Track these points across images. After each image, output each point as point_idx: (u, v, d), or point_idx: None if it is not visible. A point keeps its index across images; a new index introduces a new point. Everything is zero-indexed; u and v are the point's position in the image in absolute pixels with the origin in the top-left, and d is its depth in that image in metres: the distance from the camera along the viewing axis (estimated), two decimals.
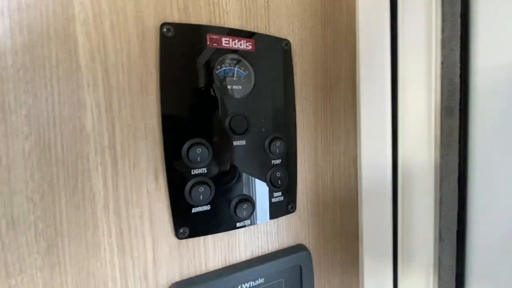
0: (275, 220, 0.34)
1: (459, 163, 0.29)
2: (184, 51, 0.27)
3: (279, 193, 0.33)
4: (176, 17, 0.27)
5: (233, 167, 0.30)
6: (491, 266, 0.27)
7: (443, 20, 0.29)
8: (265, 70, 0.31)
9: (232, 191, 0.30)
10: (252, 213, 0.31)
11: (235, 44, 0.29)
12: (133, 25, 0.25)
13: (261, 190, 0.32)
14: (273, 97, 0.32)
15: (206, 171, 0.28)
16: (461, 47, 0.28)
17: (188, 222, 0.28)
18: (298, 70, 0.34)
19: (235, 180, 0.30)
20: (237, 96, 0.30)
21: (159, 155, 0.26)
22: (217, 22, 0.29)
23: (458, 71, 0.29)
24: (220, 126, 0.29)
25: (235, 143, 0.30)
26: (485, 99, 0.27)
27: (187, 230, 0.28)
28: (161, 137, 0.26)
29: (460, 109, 0.29)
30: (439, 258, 0.29)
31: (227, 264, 0.31)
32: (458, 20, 0.28)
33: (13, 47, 0.21)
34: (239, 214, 0.30)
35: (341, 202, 0.39)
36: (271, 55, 0.32)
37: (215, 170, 0.29)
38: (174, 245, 0.28)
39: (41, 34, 0.22)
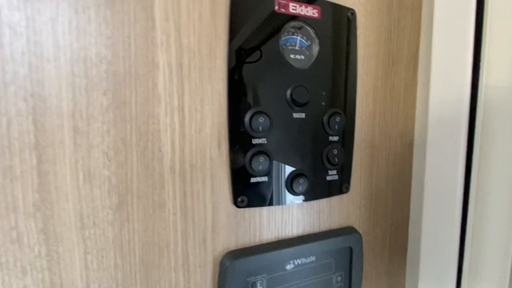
0: (328, 199, 0.33)
1: None
2: (253, 15, 0.26)
3: (335, 172, 0.32)
4: None
5: (292, 140, 0.29)
6: None
7: None
8: (329, 40, 0.30)
9: (289, 164, 0.29)
10: (307, 189, 0.30)
11: (302, 11, 0.28)
12: None
13: (317, 167, 0.31)
14: (335, 69, 0.31)
15: (266, 142, 0.28)
16: None
17: (247, 192, 0.27)
18: (361, 42, 0.32)
19: (292, 153, 0.29)
20: (299, 66, 0.29)
21: (223, 121, 0.26)
22: None
23: None
24: (282, 97, 0.28)
25: (294, 115, 0.29)
26: None
27: (245, 199, 0.27)
28: (227, 103, 0.26)
29: None
30: None
31: (280, 238, 0.30)
32: None
33: (96, 1, 0.21)
34: (295, 189, 0.29)
35: (394, 187, 0.37)
36: (336, 24, 0.30)
37: (274, 141, 0.28)
38: (232, 213, 0.27)
39: None
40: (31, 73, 0.20)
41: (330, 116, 0.30)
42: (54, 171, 0.21)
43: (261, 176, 0.28)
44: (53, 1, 0.20)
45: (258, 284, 0.28)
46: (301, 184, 0.30)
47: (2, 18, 0.19)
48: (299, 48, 0.29)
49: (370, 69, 0.33)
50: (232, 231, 0.28)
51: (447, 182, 0.31)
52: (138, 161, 0.23)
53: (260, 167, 0.27)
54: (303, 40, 0.29)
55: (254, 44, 0.26)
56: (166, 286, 0.25)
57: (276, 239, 0.30)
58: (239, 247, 0.28)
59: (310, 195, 0.31)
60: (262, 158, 0.27)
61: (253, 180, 0.28)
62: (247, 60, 0.26)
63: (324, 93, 0.30)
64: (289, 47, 0.28)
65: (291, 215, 0.31)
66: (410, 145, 0.38)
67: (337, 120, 0.31)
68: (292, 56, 0.28)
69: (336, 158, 0.31)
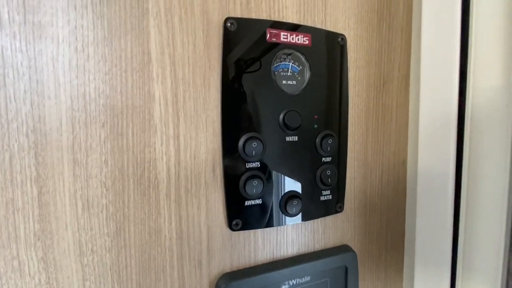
0: (322, 218, 0.33)
1: None
2: (245, 46, 0.27)
3: (328, 192, 0.33)
4: (238, 12, 0.27)
5: (285, 163, 0.30)
6: None
7: None
8: (320, 65, 0.31)
9: (282, 187, 0.30)
10: (301, 210, 0.31)
11: (292, 39, 0.29)
12: (199, 19, 0.25)
13: (310, 188, 0.32)
14: (326, 93, 0.32)
15: (259, 165, 0.28)
16: None
17: (241, 215, 0.28)
18: (352, 65, 0.33)
19: (286, 175, 0.30)
20: (291, 91, 0.30)
21: (217, 147, 0.27)
22: (276, 16, 0.29)
23: None
24: (275, 121, 0.29)
25: (287, 138, 0.30)
26: None
27: (240, 223, 0.28)
28: (221, 130, 0.27)
29: None
30: (508, 270, 0.27)
31: (275, 259, 0.31)
32: None
33: (95, 40, 0.22)
34: (288, 210, 0.30)
35: (389, 205, 0.38)
36: (326, 50, 0.31)
37: (267, 164, 0.29)
38: (227, 236, 0.28)
39: (118, 28, 0.23)
40: (32, 110, 0.21)
41: (322, 138, 0.31)
42: (54, 201, 0.22)
43: (255, 199, 0.28)
44: (54, 42, 0.21)
45: None
46: (295, 206, 0.30)
47: (5, 59, 0.20)
48: (291, 73, 0.30)
49: (361, 90, 0.34)
50: (227, 253, 0.28)
51: (439, 198, 0.32)
52: (135, 189, 0.24)
53: (254, 191, 0.28)
54: (295, 66, 0.30)
55: (247, 72, 0.28)
56: None
57: (271, 260, 0.31)
58: (234, 269, 0.29)
59: (304, 216, 0.31)
60: (255, 182, 0.28)
61: (247, 203, 0.28)
62: (240, 88, 0.27)
63: (316, 117, 0.31)
64: (281, 73, 0.29)
65: (286, 235, 0.31)
66: (404, 163, 0.38)
67: (329, 142, 0.31)
68: (284, 82, 0.29)
69: (329, 179, 0.32)
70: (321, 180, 0.32)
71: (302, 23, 0.30)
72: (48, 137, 0.21)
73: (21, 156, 0.21)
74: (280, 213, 0.30)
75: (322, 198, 0.32)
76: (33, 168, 0.21)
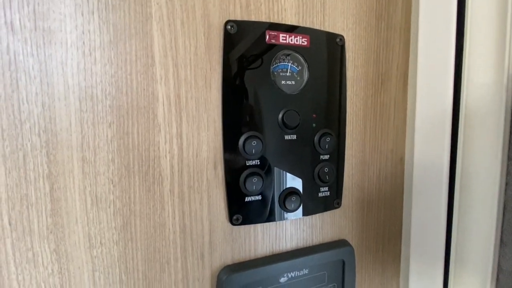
0: (320, 214, 0.34)
1: None
2: (245, 48, 0.28)
3: (326, 188, 0.34)
4: (238, 14, 0.28)
5: (284, 160, 0.31)
6: None
7: None
8: (318, 66, 0.32)
9: (282, 183, 0.31)
10: (299, 206, 0.32)
11: (291, 40, 0.30)
12: (201, 23, 0.26)
13: (309, 185, 0.33)
14: (325, 92, 0.32)
15: (259, 163, 0.30)
16: None
17: (242, 210, 0.29)
18: (351, 65, 0.34)
19: (284, 173, 0.31)
20: (290, 91, 0.31)
21: (218, 145, 0.28)
22: (275, 18, 0.30)
23: None
24: (274, 120, 0.30)
25: (286, 137, 0.31)
26: None
27: (240, 217, 0.29)
28: (222, 129, 0.28)
29: None
30: (499, 264, 0.28)
31: (274, 253, 0.32)
32: None
33: (101, 44, 0.23)
34: (287, 206, 0.31)
35: (386, 201, 0.39)
36: (325, 51, 0.32)
37: (267, 162, 0.30)
38: (228, 231, 0.29)
39: (123, 32, 0.24)
40: (44, 111, 0.22)
41: (320, 137, 0.32)
42: (65, 197, 0.23)
43: (254, 195, 0.30)
44: (63, 47, 0.22)
45: None
46: (294, 202, 0.31)
47: (17, 64, 0.21)
48: (290, 74, 0.31)
49: (360, 89, 0.35)
50: (228, 247, 0.30)
51: (433, 193, 0.33)
52: (140, 185, 0.25)
53: (254, 187, 0.29)
54: (294, 66, 0.31)
55: (247, 73, 0.28)
56: None
57: (271, 253, 0.32)
58: (235, 261, 0.30)
59: (303, 212, 0.33)
60: (255, 179, 0.29)
61: (247, 199, 0.29)
62: (240, 88, 0.28)
63: (314, 116, 0.32)
64: (281, 74, 0.30)
65: (285, 230, 0.33)
66: (401, 160, 0.39)
67: (327, 140, 0.32)
68: (283, 82, 0.30)
69: (327, 176, 0.33)
70: (319, 177, 0.33)
71: (301, 25, 0.31)
72: (59, 136, 0.23)
73: (34, 155, 0.22)
74: (279, 208, 0.31)
75: (320, 194, 0.33)
76: (45, 166, 0.22)
